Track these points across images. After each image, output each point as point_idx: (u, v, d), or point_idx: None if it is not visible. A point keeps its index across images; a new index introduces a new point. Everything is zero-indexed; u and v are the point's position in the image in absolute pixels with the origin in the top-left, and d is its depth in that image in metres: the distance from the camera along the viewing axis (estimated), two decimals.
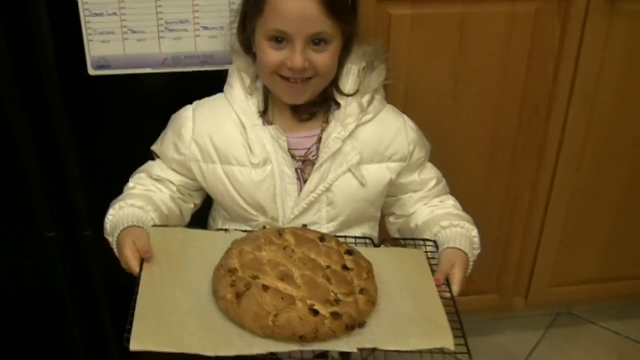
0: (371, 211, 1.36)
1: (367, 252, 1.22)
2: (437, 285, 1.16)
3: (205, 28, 1.45)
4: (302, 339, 1.02)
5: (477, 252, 1.31)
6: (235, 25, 1.33)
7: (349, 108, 1.30)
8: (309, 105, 1.30)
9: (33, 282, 1.67)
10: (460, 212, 1.36)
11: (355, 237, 1.29)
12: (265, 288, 1.07)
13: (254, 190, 1.29)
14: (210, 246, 1.20)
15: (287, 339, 1.03)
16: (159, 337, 0.99)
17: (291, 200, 1.29)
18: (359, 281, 1.12)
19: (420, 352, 1.03)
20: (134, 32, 1.43)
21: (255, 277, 1.09)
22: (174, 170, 1.35)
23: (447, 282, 1.17)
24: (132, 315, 1.01)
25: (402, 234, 1.41)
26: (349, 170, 1.29)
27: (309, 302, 1.06)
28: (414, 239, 1.31)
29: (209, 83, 1.39)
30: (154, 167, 1.37)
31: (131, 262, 1.14)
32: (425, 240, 1.29)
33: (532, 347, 2.15)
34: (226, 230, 1.28)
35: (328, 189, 1.29)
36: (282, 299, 1.05)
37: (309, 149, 1.31)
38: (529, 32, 1.66)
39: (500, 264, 2.01)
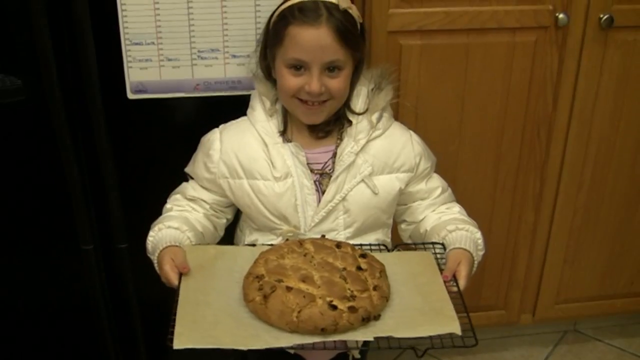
0: (383, 218, 1.45)
1: (380, 256, 1.32)
2: (445, 281, 1.25)
3: (234, 56, 1.55)
4: (323, 331, 1.12)
5: (481, 253, 1.40)
6: (257, 53, 1.45)
7: (359, 125, 1.41)
8: (324, 124, 1.41)
9: (70, 292, 1.75)
10: (465, 217, 1.45)
11: (370, 244, 1.39)
12: (289, 289, 1.17)
13: (276, 201, 1.39)
14: (239, 259, 1.31)
15: (310, 332, 1.12)
16: (196, 336, 1.09)
17: (311, 210, 1.39)
18: (372, 279, 1.21)
19: (431, 337, 1.11)
20: (169, 60, 1.54)
21: (280, 281, 1.19)
22: (205, 188, 1.45)
23: (454, 278, 1.27)
24: (174, 320, 1.12)
25: (413, 239, 1.50)
26: (362, 180, 1.39)
27: (327, 298, 1.15)
28: (423, 243, 1.41)
29: (236, 106, 1.49)
30: (188, 188, 1.47)
31: (170, 276, 1.25)
32: (434, 243, 1.38)
33: None
34: (253, 245, 1.39)
35: (344, 198, 1.39)
36: (304, 297, 1.15)
37: (325, 162, 1.41)
38: (529, 61, 1.76)
39: (508, 281, 2.07)
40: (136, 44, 1.51)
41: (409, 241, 1.52)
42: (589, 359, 2.22)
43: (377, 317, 1.16)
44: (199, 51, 1.54)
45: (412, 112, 1.73)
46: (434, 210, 1.47)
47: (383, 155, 1.42)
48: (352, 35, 1.33)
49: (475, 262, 1.36)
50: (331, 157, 1.41)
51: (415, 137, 1.47)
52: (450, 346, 1.12)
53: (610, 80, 1.82)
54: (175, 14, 1.50)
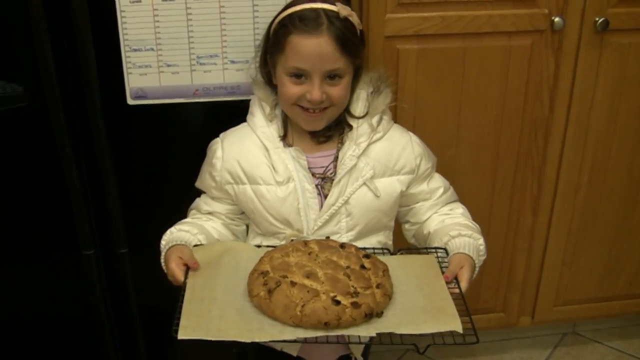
0: (385, 220, 1.46)
1: (383, 258, 1.33)
2: (447, 282, 1.26)
3: (232, 61, 1.57)
4: (326, 325, 1.13)
5: (482, 258, 1.40)
6: (256, 59, 1.46)
7: (360, 128, 1.42)
8: (325, 128, 1.42)
9: (71, 297, 1.77)
10: (468, 222, 1.46)
11: (374, 248, 1.40)
12: (293, 284, 1.18)
13: (279, 205, 1.40)
14: (244, 256, 1.33)
15: (313, 326, 1.14)
16: (200, 328, 1.12)
17: (313, 213, 1.40)
18: (375, 278, 1.23)
19: (432, 335, 1.13)
20: (169, 66, 1.55)
21: (284, 277, 1.20)
22: (216, 199, 1.47)
23: (456, 280, 1.28)
24: (179, 313, 1.15)
25: (417, 239, 1.52)
26: (364, 183, 1.40)
27: (331, 294, 1.16)
28: (426, 248, 1.42)
29: (235, 111, 1.50)
30: (201, 203, 1.50)
31: (176, 272, 1.28)
32: (436, 248, 1.39)
33: None
34: (258, 246, 1.40)
35: (346, 202, 1.40)
36: (308, 292, 1.16)
37: (327, 167, 1.42)
38: (525, 64, 1.77)
39: (506, 283, 2.08)
40: (136, 50, 1.53)
41: (413, 240, 1.53)
42: None
43: (379, 314, 1.18)
44: (197, 57, 1.56)
45: (410, 115, 1.74)
46: (437, 212, 1.48)
47: (384, 157, 1.43)
48: (352, 43, 1.34)
49: (477, 267, 1.37)
50: (332, 161, 1.42)
51: (415, 138, 1.48)
52: (452, 343, 1.13)
53: (606, 83, 1.84)
54: (174, 20, 1.52)
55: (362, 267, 1.25)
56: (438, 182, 1.50)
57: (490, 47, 1.75)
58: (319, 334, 1.14)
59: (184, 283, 1.24)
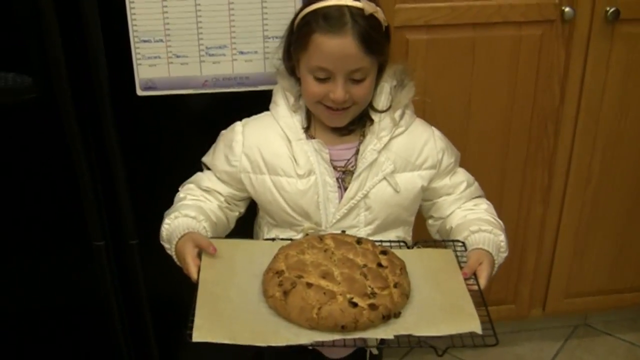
0: (404, 215, 1.44)
1: (400, 253, 1.29)
2: (465, 279, 1.23)
3: (241, 52, 1.56)
4: (343, 329, 1.10)
5: (503, 255, 1.38)
6: (279, 50, 1.43)
7: (382, 122, 1.39)
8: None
9: (82, 288, 1.78)
10: (491, 218, 1.42)
11: (390, 241, 1.38)
12: (309, 285, 1.15)
13: (299, 198, 1.38)
14: (258, 253, 1.30)
15: (330, 329, 1.11)
16: (215, 330, 1.08)
17: (333, 207, 1.38)
18: (392, 277, 1.20)
19: (451, 336, 1.10)
20: (178, 57, 1.55)
21: (300, 277, 1.17)
22: (222, 181, 1.44)
23: (475, 277, 1.25)
24: (193, 314, 1.10)
25: (441, 234, 1.49)
26: (384, 178, 1.38)
27: (348, 295, 1.14)
28: (444, 241, 1.40)
29: (244, 101, 1.50)
30: (203, 178, 1.46)
31: (191, 269, 1.24)
32: (454, 241, 1.37)
33: (550, 359, 2.21)
34: (272, 239, 1.37)
35: (365, 196, 1.38)
36: (324, 293, 1.14)
37: (348, 160, 1.40)
38: (535, 54, 1.77)
39: (517, 275, 2.08)
40: (145, 41, 1.53)
41: (437, 236, 1.50)
42: (600, 353, 2.22)
43: (397, 315, 1.15)
44: (207, 48, 1.55)
45: (419, 106, 1.73)
46: (460, 207, 1.45)
47: (405, 152, 1.40)
48: (376, 41, 1.31)
49: (497, 264, 1.35)
50: (354, 155, 1.40)
51: (437, 132, 1.46)
52: (471, 345, 1.10)
53: (617, 73, 1.83)
54: (183, 11, 1.51)
55: (379, 265, 1.22)
56: (461, 177, 1.48)
57: (500, 37, 1.74)
58: (336, 336, 1.11)
59: (197, 281, 1.20)
